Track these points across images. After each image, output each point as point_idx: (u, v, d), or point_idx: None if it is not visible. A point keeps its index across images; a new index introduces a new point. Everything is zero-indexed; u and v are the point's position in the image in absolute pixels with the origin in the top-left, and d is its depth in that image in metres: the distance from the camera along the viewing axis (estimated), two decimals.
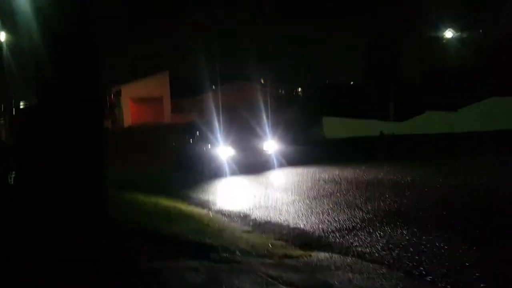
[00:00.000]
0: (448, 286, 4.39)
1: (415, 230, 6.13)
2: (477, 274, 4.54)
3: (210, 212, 8.90)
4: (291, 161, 14.40)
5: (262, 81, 37.05)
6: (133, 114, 37.89)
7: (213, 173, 13.58)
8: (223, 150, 13.84)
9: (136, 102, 37.92)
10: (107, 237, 5.33)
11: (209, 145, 14.24)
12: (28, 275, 4.36)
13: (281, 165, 14.10)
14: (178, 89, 37.58)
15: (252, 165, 13.73)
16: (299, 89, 57.08)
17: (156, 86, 38.17)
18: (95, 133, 6.07)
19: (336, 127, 26.83)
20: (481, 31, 27.87)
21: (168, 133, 22.73)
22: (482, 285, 4.33)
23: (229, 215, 8.52)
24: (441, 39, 28.46)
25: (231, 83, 38.82)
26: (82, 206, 5.56)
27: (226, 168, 13.54)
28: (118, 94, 40.20)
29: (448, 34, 28.46)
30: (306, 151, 16.25)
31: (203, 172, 13.95)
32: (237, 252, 5.50)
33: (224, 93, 34.31)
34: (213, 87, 32.89)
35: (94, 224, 5.52)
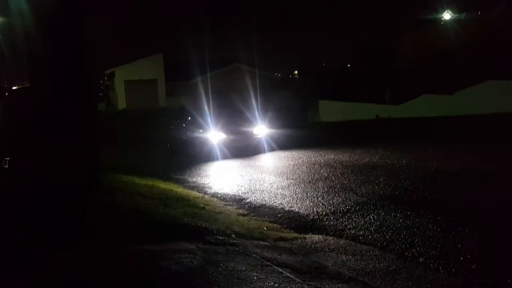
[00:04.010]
0: (440, 268, 4.45)
1: (409, 213, 6.21)
2: (468, 256, 4.61)
3: (205, 195, 8.92)
4: (283, 145, 14.56)
5: (257, 65, 36.79)
6: (127, 97, 37.50)
7: (206, 157, 13.80)
8: (214, 135, 14.14)
9: (130, 84, 37.49)
10: (101, 219, 5.35)
11: (201, 129, 14.44)
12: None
13: (272, 149, 14.29)
14: (172, 73, 37.24)
15: (243, 148, 14.02)
16: (295, 72, 56.92)
17: (150, 68, 37.72)
18: (88, 115, 6.04)
19: (332, 111, 26.85)
20: (479, 12, 27.65)
21: (162, 117, 22.71)
22: (473, 266, 4.39)
23: (224, 198, 8.56)
24: (439, 21, 28.24)
25: (224, 67, 38.62)
26: (76, 188, 5.56)
27: (218, 152, 13.85)
28: (112, 76, 39.72)
29: (446, 16, 28.24)
30: (301, 135, 16.30)
31: (196, 156, 14.07)
32: (233, 235, 5.54)
33: (217, 78, 34.23)
34: (206, 71, 32.61)
35: (88, 206, 5.53)
